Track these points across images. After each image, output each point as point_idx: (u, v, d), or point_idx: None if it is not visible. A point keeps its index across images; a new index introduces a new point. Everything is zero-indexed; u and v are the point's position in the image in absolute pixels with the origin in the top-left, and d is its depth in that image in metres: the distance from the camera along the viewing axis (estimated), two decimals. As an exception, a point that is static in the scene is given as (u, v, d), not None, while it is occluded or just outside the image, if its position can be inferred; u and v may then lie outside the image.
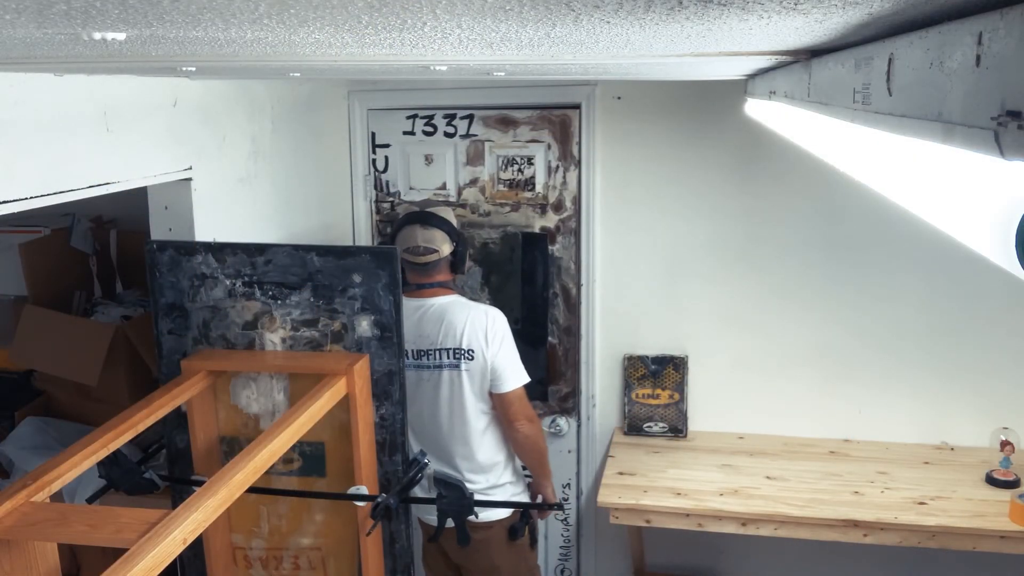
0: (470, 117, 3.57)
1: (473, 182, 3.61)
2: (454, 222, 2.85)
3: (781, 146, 3.11)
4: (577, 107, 3.46)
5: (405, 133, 3.63)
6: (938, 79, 0.61)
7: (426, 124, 3.61)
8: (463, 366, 2.73)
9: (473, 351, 2.72)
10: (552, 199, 3.54)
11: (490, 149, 3.58)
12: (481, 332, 2.73)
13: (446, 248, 2.80)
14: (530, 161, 3.54)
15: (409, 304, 2.69)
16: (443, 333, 2.73)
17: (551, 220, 3.56)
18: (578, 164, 3.50)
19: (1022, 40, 0.47)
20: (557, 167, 3.52)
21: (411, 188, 3.67)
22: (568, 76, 2.76)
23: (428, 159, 3.63)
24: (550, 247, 3.57)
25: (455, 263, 2.84)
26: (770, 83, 1.81)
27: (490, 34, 0.91)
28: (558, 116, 3.49)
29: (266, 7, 0.68)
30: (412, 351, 2.72)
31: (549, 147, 3.52)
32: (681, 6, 0.67)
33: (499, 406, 2.77)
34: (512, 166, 3.56)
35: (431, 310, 2.77)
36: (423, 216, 2.86)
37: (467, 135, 3.58)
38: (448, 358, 2.73)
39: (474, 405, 2.77)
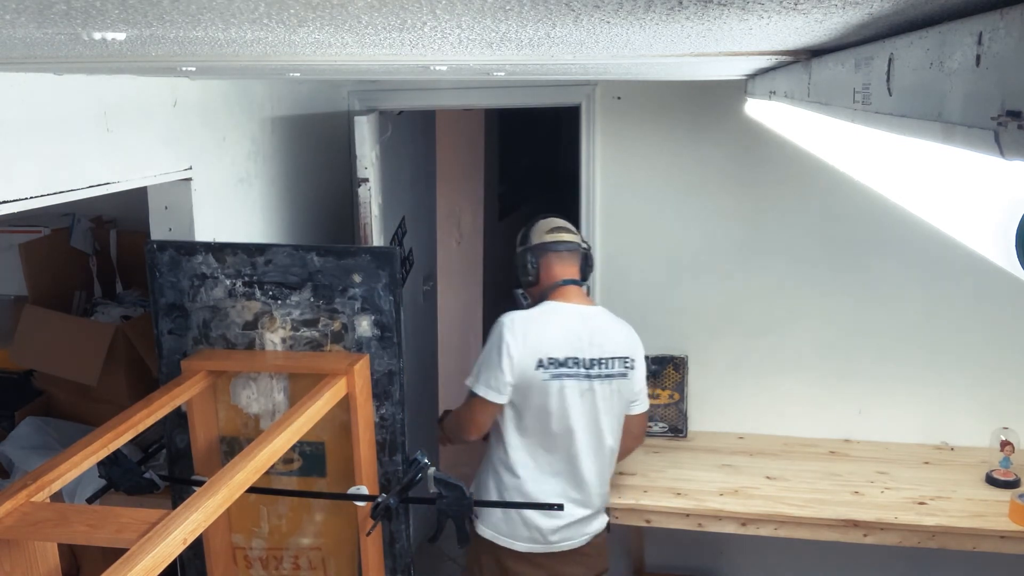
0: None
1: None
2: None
3: (781, 146, 3.11)
4: (577, 107, 3.46)
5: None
6: (938, 79, 0.61)
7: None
8: (628, 375, 2.69)
9: (635, 360, 2.71)
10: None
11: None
12: (637, 341, 2.74)
13: (581, 239, 2.81)
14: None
15: (565, 310, 2.66)
16: (614, 339, 2.67)
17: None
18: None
19: (1022, 40, 0.47)
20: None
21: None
22: (568, 76, 2.76)
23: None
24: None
25: (584, 267, 2.77)
26: (770, 83, 1.81)
27: (490, 34, 0.91)
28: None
29: (266, 7, 0.68)
30: (585, 360, 2.61)
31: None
32: (681, 6, 0.67)
33: (629, 420, 2.78)
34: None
35: (595, 314, 2.71)
36: (551, 215, 2.87)
37: None
38: (619, 367, 2.67)
39: (622, 414, 2.74)
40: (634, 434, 2.83)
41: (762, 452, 3.36)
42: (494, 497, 2.67)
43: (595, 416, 2.66)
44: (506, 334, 2.59)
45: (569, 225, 2.83)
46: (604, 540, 2.85)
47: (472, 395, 2.62)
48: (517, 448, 2.66)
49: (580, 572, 2.75)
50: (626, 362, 2.68)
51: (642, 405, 2.80)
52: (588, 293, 2.81)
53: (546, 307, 2.67)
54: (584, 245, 2.79)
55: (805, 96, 1.26)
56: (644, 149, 3.43)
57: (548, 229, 2.75)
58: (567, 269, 2.72)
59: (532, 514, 2.64)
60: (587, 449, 2.67)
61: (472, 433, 2.70)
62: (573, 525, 2.70)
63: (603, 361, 2.63)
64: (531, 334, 2.59)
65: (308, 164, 3.37)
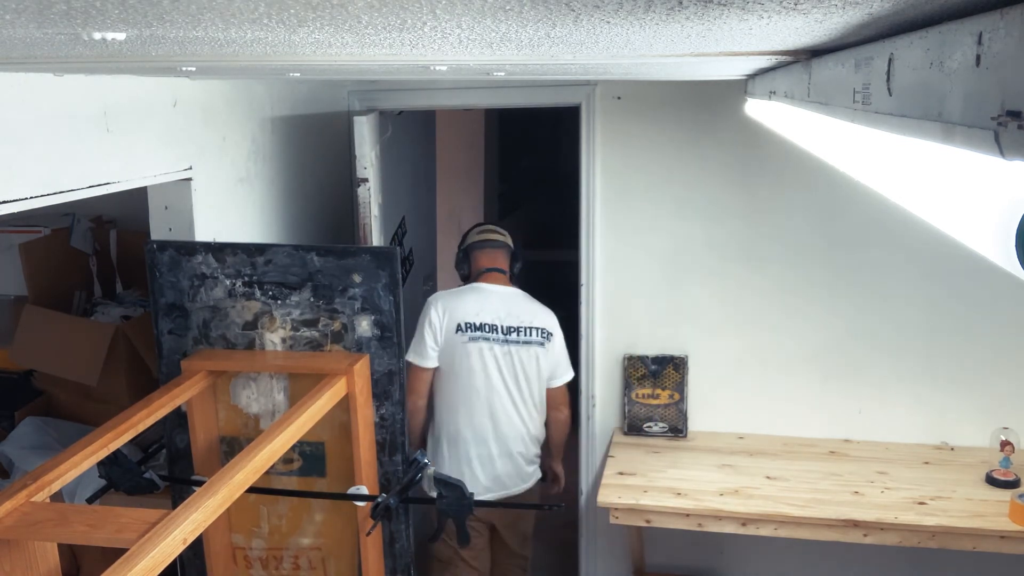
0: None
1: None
2: None
3: (781, 146, 3.11)
4: (577, 107, 3.46)
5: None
6: (938, 79, 0.61)
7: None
8: (546, 345, 3.08)
9: (552, 334, 3.10)
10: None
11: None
12: (553, 320, 3.13)
13: (509, 240, 3.28)
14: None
15: (486, 288, 3.12)
16: (531, 313, 3.08)
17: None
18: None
19: (1022, 40, 0.47)
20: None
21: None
22: (568, 76, 2.77)
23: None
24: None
25: (512, 263, 3.25)
26: (770, 83, 1.81)
27: (490, 34, 0.91)
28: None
29: (266, 7, 0.68)
30: (503, 326, 3.03)
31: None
32: (681, 6, 0.67)
33: (552, 393, 3.16)
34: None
35: (513, 293, 3.14)
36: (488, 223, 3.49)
37: None
38: (537, 336, 3.07)
39: (541, 382, 3.11)
40: (556, 404, 3.18)
41: (762, 452, 3.36)
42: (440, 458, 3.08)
43: (516, 377, 3.05)
44: (430, 308, 3.06)
45: (498, 229, 3.31)
46: (535, 489, 3.20)
47: (407, 363, 2.94)
48: (445, 410, 3.07)
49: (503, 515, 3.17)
50: (543, 332, 3.08)
51: (561, 378, 3.17)
52: (513, 281, 3.23)
53: (468, 287, 3.17)
54: (510, 244, 3.27)
55: (805, 96, 1.26)
56: (644, 149, 3.43)
57: (477, 232, 3.30)
58: (491, 261, 3.20)
59: (471, 471, 3.03)
60: (510, 405, 3.06)
61: (409, 397, 2.95)
62: (501, 477, 3.08)
63: (520, 329, 3.05)
64: (451, 306, 3.06)
65: (308, 164, 3.37)
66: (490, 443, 3.04)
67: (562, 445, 3.30)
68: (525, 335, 3.03)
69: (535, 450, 3.16)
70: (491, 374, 3.02)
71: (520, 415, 3.07)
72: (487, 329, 3.01)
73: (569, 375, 3.19)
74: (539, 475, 3.19)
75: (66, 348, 2.89)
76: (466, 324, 3.01)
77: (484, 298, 3.07)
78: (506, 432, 3.05)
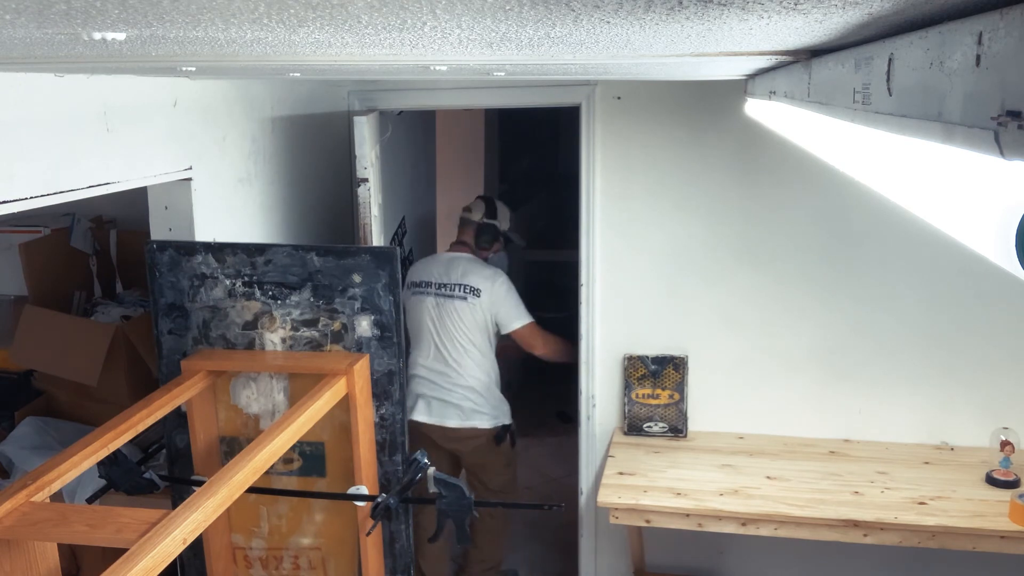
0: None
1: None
2: (501, 213, 3.81)
3: (781, 146, 3.11)
4: (577, 107, 3.46)
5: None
6: (938, 79, 0.61)
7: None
8: (470, 299, 3.54)
9: (480, 290, 3.55)
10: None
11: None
12: (487, 280, 3.57)
13: (477, 216, 3.74)
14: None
15: (441, 255, 3.77)
16: (463, 274, 3.57)
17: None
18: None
19: (1022, 40, 0.47)
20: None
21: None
22: (568, 76, 2.77)
23: None
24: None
25: (479, 235, 3.72)
26: (770, 83, 1.81)
27: (490, 34, 0.91)
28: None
29: (266, 7, 0.68)
30: (435, 283, 3.59)
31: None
32: (681, 6, 0.67)
33: (516, 341, 3.66)
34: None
35: (457, 258, 3.66)
36: (488, 196, 4.00)
37: None
38: (460, 291, 3.55)
39: (471, 331, 3.56)
40: (528, 346, 3.68)
41: (762, 452, 3.36)
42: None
43: (445, 323, 3.55)
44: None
45: (475, 206, 3.79)
46: (485, 440, 3.58)
47: None
48: (412, 354, 3.66)
49: (455, 446, 3.61)
50: (467, 288, 3.55)
51: (511, 325, 3.59)
52: (494, 246, 3.80)
53: (432, 255, 3.90)
54: (477, 219, 3.74)
55: (805, 96, 1.26)
56: (644, 149, 3.43)
57: (464, 208, 3.84)
58: (459, 235, 3.80)
59: (417, 402, 3.58)
60: (444, 351, 3.55)
61: None
62: (437, 406, 3.57)
63: (448, 286, 3.58)
64: (411, 270, 3.73)
65: (308, 164, 3.37)
66: (434, 381, 3.57)
67: (567, 359, 3.74)
68: (450, 290, 3.57)
69: (471, 396, 3.55)
70: (426, 322, 3.58)
71: (450, 361, 3.55)
72: (423, 285, 3.61)
73: (519, 322, 3.58)
74: (491, 423, 3.57)
75: (66, 348, 2.89)
76: (411, 283, 3.65)
77: (433, 262, 3.71)
78: (444, 372, 3.57)
